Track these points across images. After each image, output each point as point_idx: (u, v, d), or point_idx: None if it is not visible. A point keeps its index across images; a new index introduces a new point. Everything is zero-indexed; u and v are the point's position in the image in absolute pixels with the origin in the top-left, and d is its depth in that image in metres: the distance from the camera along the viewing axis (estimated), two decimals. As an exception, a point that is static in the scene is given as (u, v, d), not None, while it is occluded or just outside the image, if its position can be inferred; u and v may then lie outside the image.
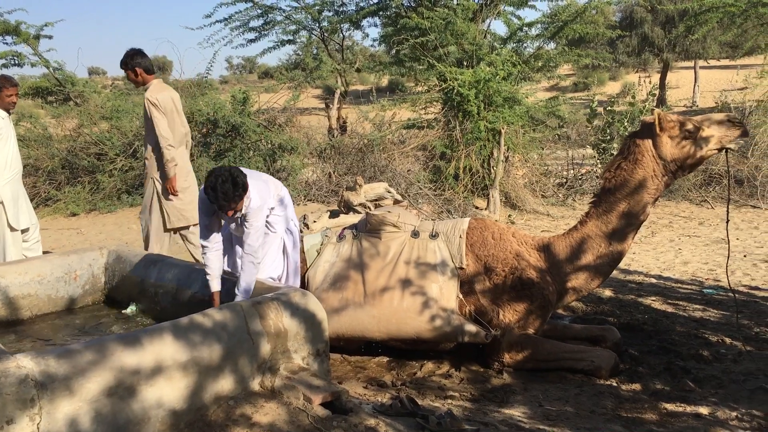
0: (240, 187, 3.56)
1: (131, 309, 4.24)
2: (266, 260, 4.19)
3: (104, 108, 13.15)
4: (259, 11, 15.65)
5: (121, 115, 12.49)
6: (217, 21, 15.31)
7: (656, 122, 4.11)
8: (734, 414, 3.37)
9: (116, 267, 4.55)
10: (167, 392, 2.70)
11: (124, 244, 5.33)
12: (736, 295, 5.25)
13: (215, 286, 3.76)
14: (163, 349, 2.72)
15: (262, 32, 16.06)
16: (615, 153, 11.79)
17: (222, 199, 3.51)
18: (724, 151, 4.12)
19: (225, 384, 2.92)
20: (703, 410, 3.46)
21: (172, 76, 34.17)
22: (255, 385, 3.05)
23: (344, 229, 4.66)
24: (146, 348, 2.67)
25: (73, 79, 15.66)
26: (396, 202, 4.79)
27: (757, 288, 6.24)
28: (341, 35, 18.51)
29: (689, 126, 4.04)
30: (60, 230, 10.15)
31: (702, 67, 33.26)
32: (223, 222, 4.01)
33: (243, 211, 3.77)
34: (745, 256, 7.60)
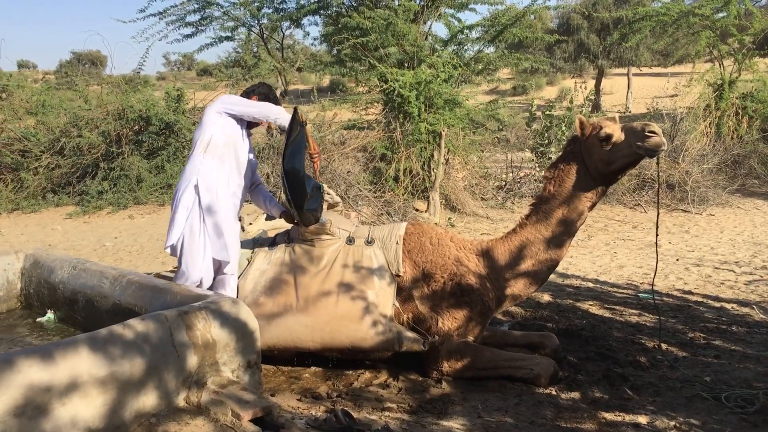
0: None
1: (48, 318, 3.96)
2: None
3: (30, 102, 12.61)
4: (196, 6, 15.17)
5: (47, 111, 11.99)
6: (151, 15, 14.74)
7: (577, 127, 4.16)
8: (672, 423, 3.35)
9: (33, 272, 4.25)
10: (83, 410, 2.48)
11: (45, 246, 5.02)
12: (669, 300, 5.31)
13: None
14: (79, 363, 2.50)
15: (199, 27, 15.57)
16: (553, 156, 12.00)
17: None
18: (654, 158, 4.11)
19: (147, 400, 2.71)
20: (642, 419, 3.43)
21: (105, 71, 33.06)
22: (180, 400, 2.85)
23: (277, 235, 4.47)
24: (59, 363, 2.45)
25: (-4, 71, 14.97)
26: (330, 206, 4.55)
27: (690, 292, 6.32)
28: (281, 33, 18.22)
29: (602, 132, 4.04)
30: (-22, 231, 9.64)
31: (635, 74, 34.27)
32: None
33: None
34: (677, 259, 7.75)
